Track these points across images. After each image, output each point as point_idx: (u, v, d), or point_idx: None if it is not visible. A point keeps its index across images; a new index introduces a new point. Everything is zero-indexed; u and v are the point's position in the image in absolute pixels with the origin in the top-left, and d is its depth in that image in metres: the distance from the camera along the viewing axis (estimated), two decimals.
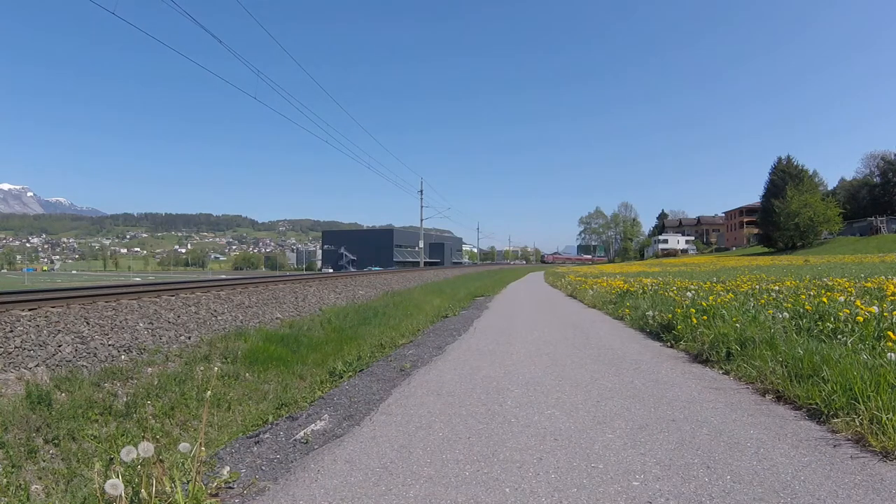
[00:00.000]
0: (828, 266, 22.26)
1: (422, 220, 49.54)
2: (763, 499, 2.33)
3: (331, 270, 77.66)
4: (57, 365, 4.90)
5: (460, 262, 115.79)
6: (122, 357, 5.57)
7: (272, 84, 21.48)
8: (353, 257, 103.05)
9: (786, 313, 5.51)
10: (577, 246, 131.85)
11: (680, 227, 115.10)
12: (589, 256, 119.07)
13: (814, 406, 3.47)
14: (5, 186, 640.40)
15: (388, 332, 8.66)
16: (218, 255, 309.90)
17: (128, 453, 2.24)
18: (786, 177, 61.13)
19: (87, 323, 6.19)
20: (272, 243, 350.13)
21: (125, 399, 4.66)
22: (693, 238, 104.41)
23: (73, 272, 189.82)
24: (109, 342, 5.79)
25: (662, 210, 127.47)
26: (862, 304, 5.26)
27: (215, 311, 8.59)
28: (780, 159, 64.25)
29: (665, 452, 2.93)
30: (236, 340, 6.87)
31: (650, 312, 8.03)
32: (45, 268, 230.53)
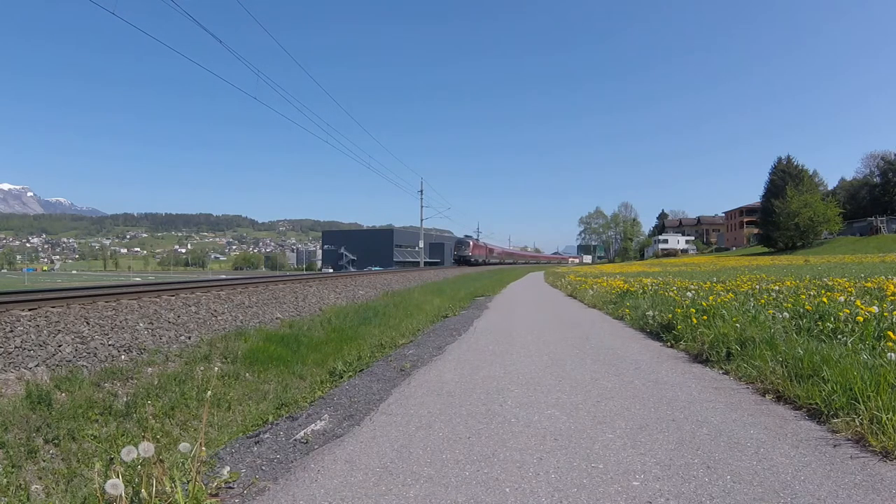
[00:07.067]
0: (828, 266, 22.25)
1: (422, 219, 49.56)
2: (763, 499, 2.33)
3: (331, 270, 77.61)
4: (57, 365, 4.90)
5: None
6: (122, 357, 5.56)
7: (272, 84, 21.50)
8: (353, 257, 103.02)
9: (786, 313, 5.51)
10: (578, 245, 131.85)
11: (680, 227, 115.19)
12: (573, 256, 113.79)
13: (814, 406, 3.47)
14: (5, 186, 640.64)
15: (388, 332, 8.65)
16: (218, 255, 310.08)
17: (128, 453, 2.24)
18: (786, 177, 61.20)
19: (87, 323, 6.19)
20: (272, 243, 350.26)
21: (125, 399, 4.66)
22: (693, 238, 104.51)
23: (73, 272, 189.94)
24: (109, 342, 5.79)
25: (662, 210, 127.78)
26: (862, 304, 5.26)
27: (215, 311, 8.59)
28: (780, 159, 64.35)
29: (665, 452, 2.93)
30: (236, 340, 6.87)
31: (650, 312, 8.03)
32: (45, 268, 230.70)
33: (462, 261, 55.76)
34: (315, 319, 9.60)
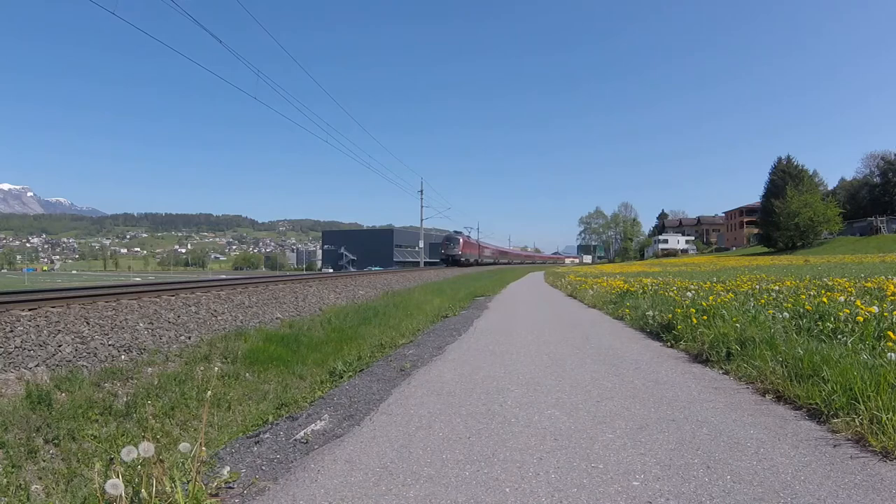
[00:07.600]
0: (828, 266, 22.25)
1: (422, 219, 49.54)
2: (763, 499, 2.33)
3: (331, 270, 77.60)
4: (57, 365, 4.90)
5: None
6: (122, 357, 5.56)
7: (272, 84, 21.49)
8: (353, 257, 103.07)
9: (786, 313, 5.51)
10: (578, 245, 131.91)
11: (680, 227, 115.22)
12: (569, 256, 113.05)
13: (814, 406, 3.47)
14: (5, 186, 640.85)
15: (388, 332, 8.65)
16: (218, 255, 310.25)
17: (128, 453, 2.23)
18: (786, 177, 61.20)
19: (87, 323, 6.19)
20: (272, 243, 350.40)
21: (125, 399, 4.66)
22: (693, 238, 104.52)
23: (73, 272, 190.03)
24: (109, 342, 5.79)
25: (662, 210, 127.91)
26: (862, 304, 5.26)
27: (215, 311, 8.59)
28: (780, 159, 64.35)
29: (665, 452, 2.93)
30: (236, 340, 6.87)
31: (650, 312, 8.03)
32: (45, 268, 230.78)
33: (451, 261, 46.72)
34: (315, 319, 9.60)
